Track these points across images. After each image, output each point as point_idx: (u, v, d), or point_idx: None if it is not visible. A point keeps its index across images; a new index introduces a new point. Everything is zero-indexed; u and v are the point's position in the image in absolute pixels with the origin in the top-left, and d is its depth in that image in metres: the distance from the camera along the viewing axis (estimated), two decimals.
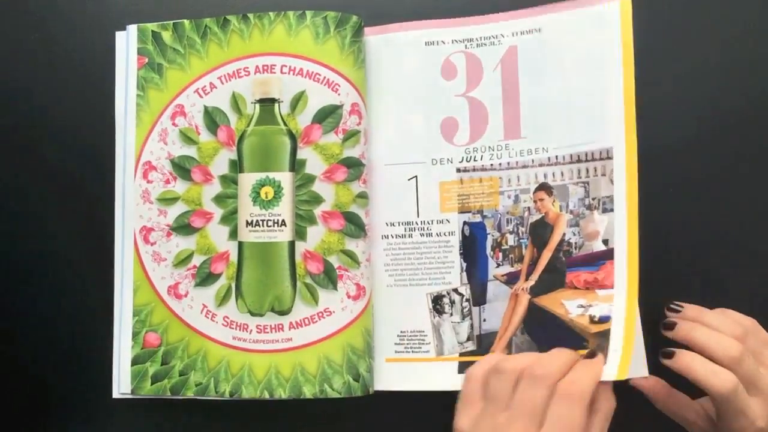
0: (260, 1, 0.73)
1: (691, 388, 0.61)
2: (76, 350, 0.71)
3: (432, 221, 0.69)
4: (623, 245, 0.63)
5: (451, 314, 0.68)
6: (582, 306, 0.65)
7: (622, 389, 0.61)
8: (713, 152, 0.70)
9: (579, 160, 0.67)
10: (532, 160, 0.68)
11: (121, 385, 0.69)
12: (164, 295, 0.70)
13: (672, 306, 0.65)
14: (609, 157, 0.65)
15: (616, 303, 0.63)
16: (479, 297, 0.68)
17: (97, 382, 0.69)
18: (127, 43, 0.73)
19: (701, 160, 0.70)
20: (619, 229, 0.64)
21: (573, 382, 0.56)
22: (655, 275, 0.66)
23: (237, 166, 0.69)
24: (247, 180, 0.69)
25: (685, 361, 0.59)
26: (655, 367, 0.63)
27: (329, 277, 0.67)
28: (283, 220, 0.67)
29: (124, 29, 0.73)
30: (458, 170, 0.69)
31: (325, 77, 0.68)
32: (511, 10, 0.69)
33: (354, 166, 0.68)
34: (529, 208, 0.68)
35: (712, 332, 0.60)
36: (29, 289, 0.72)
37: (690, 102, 0.70)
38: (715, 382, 0.57)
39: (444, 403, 0.62)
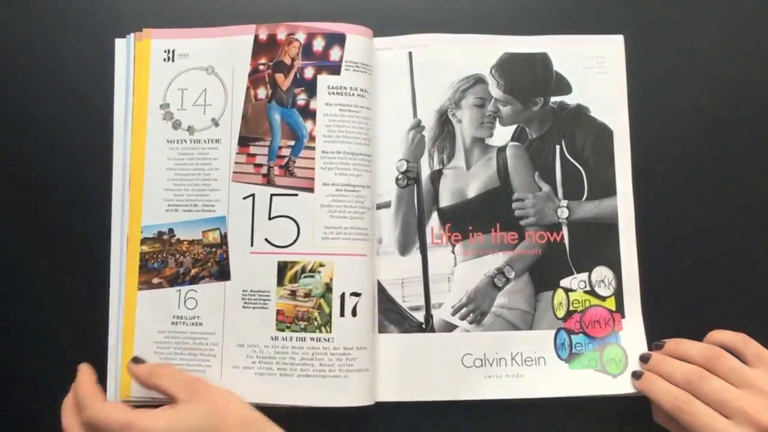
0: (269, 9, 0.74)
1: None
2: (72, 356, 0.68)
3: None
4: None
5: None
6: None
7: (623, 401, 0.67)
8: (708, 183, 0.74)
9: None
10: None
11: (116, 392, 0.68)
12: None
13: (656, 343, 0.68)
14: None
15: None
16: None
17: None
18: (127, 50, 0.72)
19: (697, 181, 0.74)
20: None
21: None
22: (658, 296, 0.70)
23: None
24: None
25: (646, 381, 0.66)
26: None
27: None
28: None
29: (125, 37, 0.73)
30: None
31: None
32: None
33: None
34: None
35: (661, 383, 0.65)
36: (24, 294, 0.71)
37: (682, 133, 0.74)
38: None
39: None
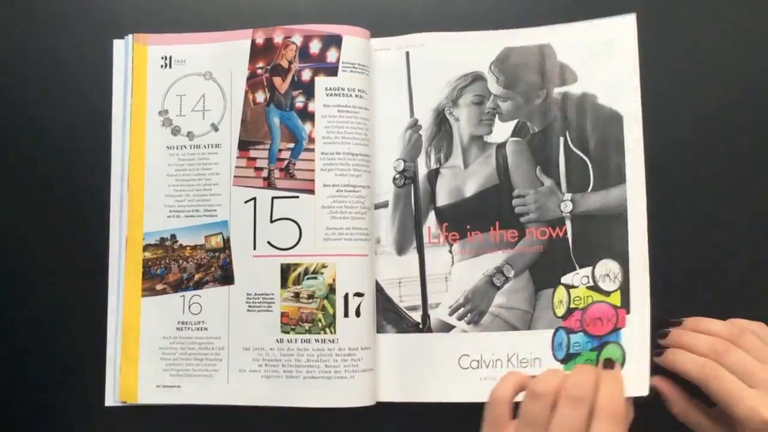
0: (267, 11, 0.74)
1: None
2: (70, 358, 0.71)
3: None
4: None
5: None
6: None
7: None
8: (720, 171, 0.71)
9: None
10: None
11: (115, 393, 0.70)
12: None
13: (673, 320, 0.68)
14: None
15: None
16: None
17: (90, 390, 0.70)
18: (125, 51, 0.73)
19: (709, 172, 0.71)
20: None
21: (610, 399, 0.57)
22: (668, 289, 0.68)
23: None
24: None
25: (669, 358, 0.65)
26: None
27: None
28: None
29: (122, 38, 0.74)
30: None
31: None
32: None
33: None
34: None
35: (686, 354, 0.64)
36: (22, 296, 0.71)
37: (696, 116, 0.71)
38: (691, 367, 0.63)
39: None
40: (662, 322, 0.68)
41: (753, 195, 0.70)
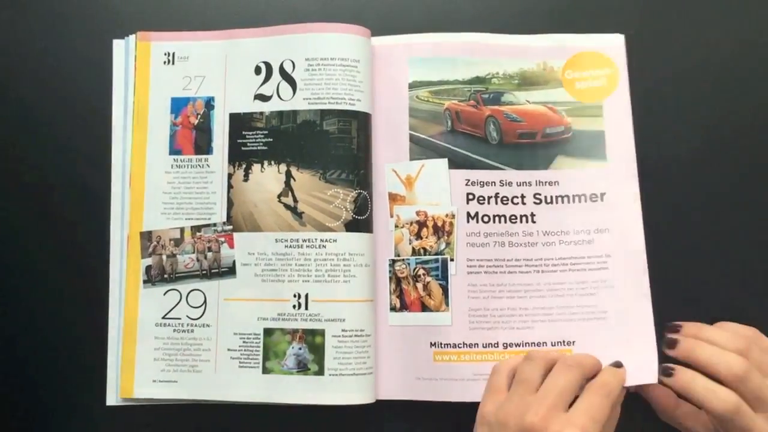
0: (268, 11, 0.74)
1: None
2: (71, 357, 0.70)
3: None
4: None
5: None
6: None
7: (629, 399, 0.64)
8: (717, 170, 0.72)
9: None
10: None
11: (116, 392, 0.69)
12: None
13: (670, 325, 0.64)
14: None
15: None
16: None
17: (92, 389, 0.69)
18: (126, 51, 0.73)
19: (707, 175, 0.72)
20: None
21: (605, 381, 0.58)
22: (669, 281, 0.68)
23: None
24: None
25: (685, 380, 0.59)
26: None
27: None
28: None
29: (122, 38, 0.73)
30: None
31: None
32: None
33: None
34: None
35: (715, 349, 0.59)
36: (23, 295, 0.71)
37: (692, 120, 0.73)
38: (716, 403, 0.57)
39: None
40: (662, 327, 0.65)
41: (745, 205, 0.71)
